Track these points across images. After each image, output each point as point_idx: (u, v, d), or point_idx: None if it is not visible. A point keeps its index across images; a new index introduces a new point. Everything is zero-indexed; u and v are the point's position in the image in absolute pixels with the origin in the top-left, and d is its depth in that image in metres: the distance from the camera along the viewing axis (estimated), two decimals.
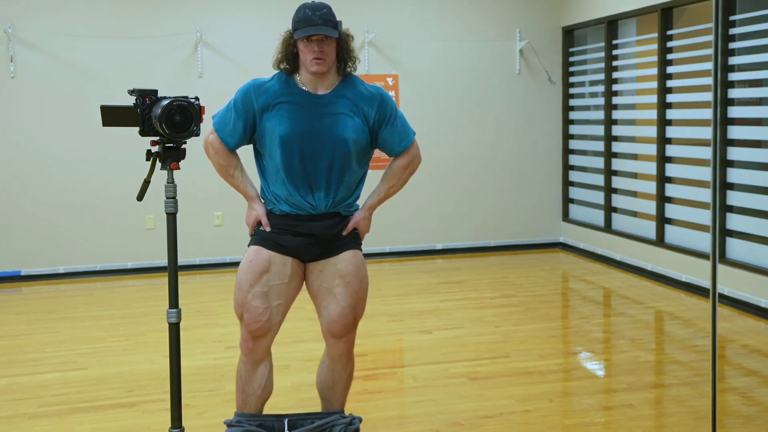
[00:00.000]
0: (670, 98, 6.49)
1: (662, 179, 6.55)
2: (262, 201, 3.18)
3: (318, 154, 3.02)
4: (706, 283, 5.97)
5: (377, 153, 3.27)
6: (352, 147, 3.04)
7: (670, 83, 6.48)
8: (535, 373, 4.31)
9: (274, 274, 3.08)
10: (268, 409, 3.85)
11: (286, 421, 3.18)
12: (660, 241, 6.60)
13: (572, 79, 7.98)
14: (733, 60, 5.77)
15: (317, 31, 2.92)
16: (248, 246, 3.16)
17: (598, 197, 7.58)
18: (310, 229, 3.09)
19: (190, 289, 6.47)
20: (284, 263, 3.09)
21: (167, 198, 2.89)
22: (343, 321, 3.11)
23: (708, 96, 6.12)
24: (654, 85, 6.62)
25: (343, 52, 3.05)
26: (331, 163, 3.03)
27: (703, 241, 6.18)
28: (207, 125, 3.13)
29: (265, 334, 3.08)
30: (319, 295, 3.15)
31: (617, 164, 7.28)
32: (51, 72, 6.92)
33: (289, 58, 3.05)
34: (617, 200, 7.34)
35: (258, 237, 3.14)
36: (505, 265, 7.40)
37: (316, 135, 3.01)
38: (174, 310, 2.92)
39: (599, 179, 7.54)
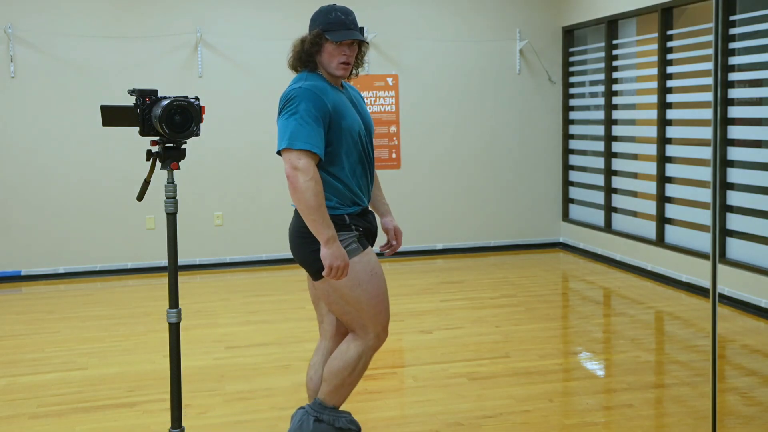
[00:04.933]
0: (670, 98, 6.49)
1: (662, 179, 6.55)
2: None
3: (371, 144, 3.14)
4: (706, 283, 5.97)
5: (377, 153, 3.30)
6: None
7: (670, 83, 6.48)
8: (535, 373, 4.31)
9: None
10: (269, 409, 3.85)
11: None
12: (660, 241, 6.60)
13: (572, 79, 7.98)
14: (733, 60, 5.77)
15: (354, 35, 2.96)
16: (352, 252, 2.98)
17: (598, 197, 7.58)
18: (371, 222, 3.15)
19: (190, 289, 6.47)
20: None
21: (167, 198, 2.89)
22: None
23: (708, 96, 6.12)
24: (654, 85, 6.62)
25: (359, 57, 3.11)
26: (374, 152, 3.18)
27: (703, 241, 6.18)
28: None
29: None
30: None
31: (617, 164, 7.28)
32: (51, 72, 6.92)
33: (308, 58, 3.03)
34: (617, 200, 7.34)
35: (355, 243, 3.02)
36: (505, 265, 7.40)
37: (367, 127, 3.12)
38: (174, 310, 2.92)
39: (599, 179, 7.54)
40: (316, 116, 2.87)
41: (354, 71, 3.13)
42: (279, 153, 2.89)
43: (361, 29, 3.04)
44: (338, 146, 2.95)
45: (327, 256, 2.86)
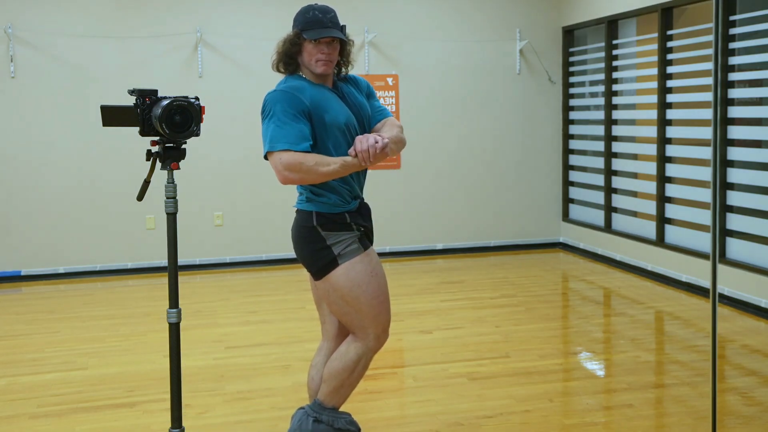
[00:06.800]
0: (670, 98, 6.49)
1: (662, 179, 6.55)
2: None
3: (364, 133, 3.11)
4: (706, 283, 5.97)
5: None
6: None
7: (670, 83, 6.47)
8: (535, 373, 4.31)
9: None
10: (269, 409, 3.86)
11: None
12: (660, 241, 6.60)
13: (572, 79, 7.98)
14: (733, 60, 5.77)
15: (330, 33, 2.96)
16: (353, 252, 2.99)
17: (598, 197, 7.58)
18: (368, 221, 3.13)
19: (190, 289, 6.47)
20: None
21: (167, 198, 2.89)
22: None
23: (708, 96, 6.12)
24: (654, 85, 6.62)
25: (344, 55, 3.10)
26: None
27: (703, 241, 6.18)
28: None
29: None
30: None
31: (617, 164, 7.28)
32: (51, 72, 6.92)
33: (289, 60, 3.05)
34: (617, 200, 7.34)
35: (356, 244, 3.02)
36: (505, 265, 7.40)
37: (359, 118, 3.10)
38: (174, 310, 2.92)
39: (599, 179, 7.54)
40: (294, 114, 2.88)
41: (344, 69, 3.14)
42: (266, 158, 2.91)
43: (343, 27, 3.04)
44: (326, 140, 2.97)
45: (361, 151, 2.84)
